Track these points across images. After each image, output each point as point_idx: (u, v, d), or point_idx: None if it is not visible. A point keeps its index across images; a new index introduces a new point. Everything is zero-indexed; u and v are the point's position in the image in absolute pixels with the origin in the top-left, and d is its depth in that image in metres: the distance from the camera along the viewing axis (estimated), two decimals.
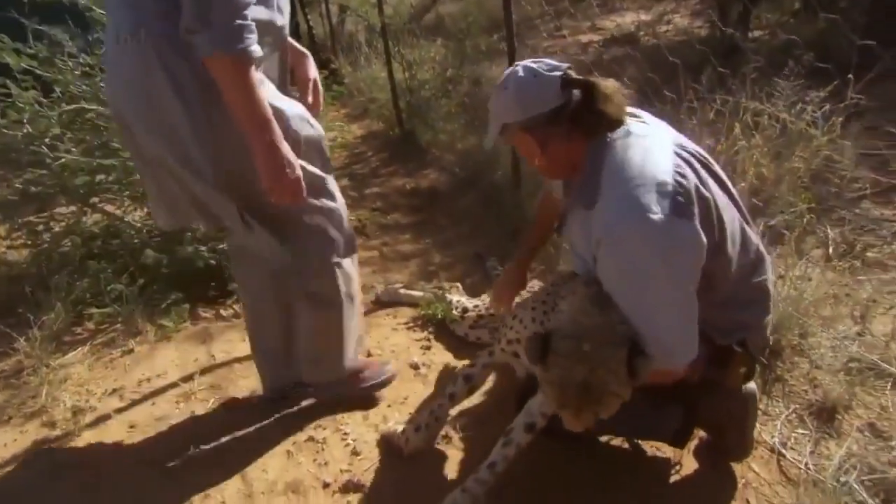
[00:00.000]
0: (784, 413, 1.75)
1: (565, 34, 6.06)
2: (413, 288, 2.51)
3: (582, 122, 1.24)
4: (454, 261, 2.82)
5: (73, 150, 2.56)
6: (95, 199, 2.73)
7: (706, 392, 1.41)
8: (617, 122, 1.24)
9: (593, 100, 1.22)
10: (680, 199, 1.12)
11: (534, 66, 1.28)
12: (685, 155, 1.23)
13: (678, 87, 2.46)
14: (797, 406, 1.77)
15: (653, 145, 1.21)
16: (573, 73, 1.27)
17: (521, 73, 1.27)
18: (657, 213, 1.09)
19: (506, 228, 2.87)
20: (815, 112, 2.45)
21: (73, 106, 2.54)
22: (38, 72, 2.48)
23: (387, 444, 1.70)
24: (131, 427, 1.84)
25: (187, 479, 1.63)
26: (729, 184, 1.32)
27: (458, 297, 2.30)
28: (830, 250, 2.35)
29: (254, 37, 1.27)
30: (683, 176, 1.15)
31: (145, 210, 2.78)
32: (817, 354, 1.89)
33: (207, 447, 1.72)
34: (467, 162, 3.65)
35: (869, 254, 2.29)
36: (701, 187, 1.17)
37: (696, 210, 1.14)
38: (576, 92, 1.25)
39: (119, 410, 1.92)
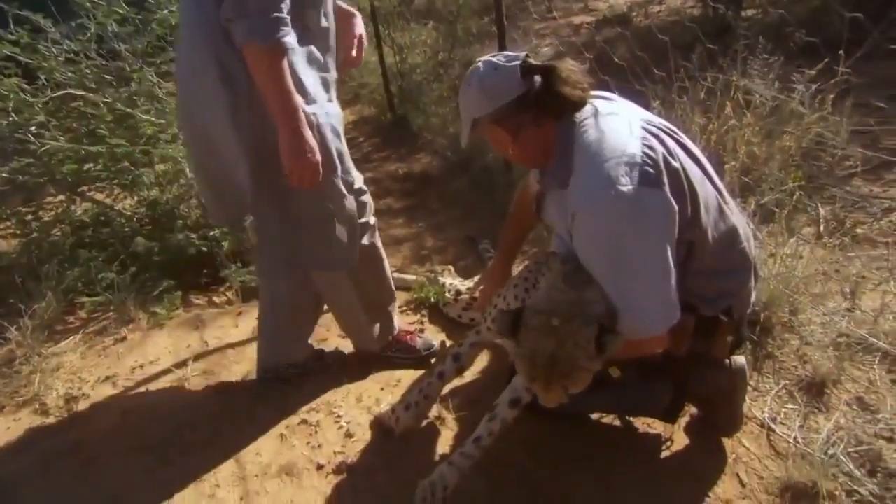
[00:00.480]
0: (774, 389, 1.76)
1: (556, 16, 6.01)
2: (406, 272, 2.51)
3: (547, 106, 1.27)
4: (447, 244, 2.82)
5: (61, 137, 2.53)
6: (84, 188, 2.71)
7: (695, 367, 1.42)
8: (580, 102, 1.27)
9: (553, 83, 1.25)
10: (648, 170, 1.16)
11: (493, 59, 1.31)
12: (653, 129, 1.25)
13: (670, 66, 2.45)
14: (787, 382, 1.78)
15: (620, 122, 1.24)
16: (532, 60, 1.29)
17: (481, 69, 1.31)
18: (626, 185, 1.14)
19: (498, 211, 2.86)
20: (806, 90, 2.44)
21: (60, 93, 2.51)
22: (20, 58, 2.44)
23: (379, 425, 1.71)
24: (124, 414, 1.84)
25: (180, 464, 1.64)
26: (701, 156, 1.34)
27: (451, 280, 2.30)
28: (821, 227, 2.36)
29: (288, 28, 1.35)
30: (651, 148, 1.19)
31: (135, 198, 2.76)
32: (807, 331, 1.90)
33: None
34: (459, 146, 3.61)
35: (858, 230, 2.29)
36: (669, 158, 1.20)
37: (666, 180, 1.17)
38: (537, 78, 1.28)
39: (112, 397, 1.92)
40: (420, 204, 3.31)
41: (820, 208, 2.43)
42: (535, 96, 1.27)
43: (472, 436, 1.44)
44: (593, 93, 1.33)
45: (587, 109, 1.29)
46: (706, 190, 1.28)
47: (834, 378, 1.73)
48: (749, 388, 1.75)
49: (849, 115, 2.56)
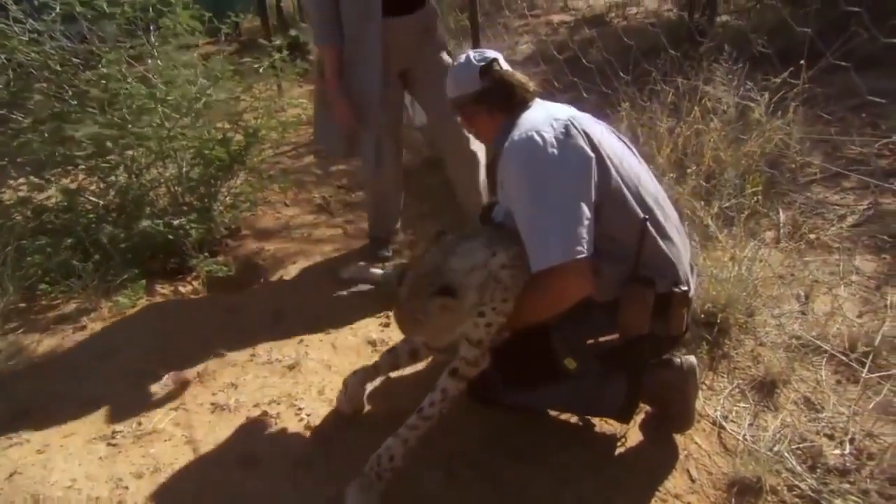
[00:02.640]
0: (728, 388, 1.82)
1: (535, 14, 6.03)
2: (373, 266, 2.51)
3: (496, 102, 1.54)
4: (416, 239, 2.83)
5: (24, 120, 2.47)
6: (48, 173, 2.64)
7: (650, 354, 1.48)
8: (523, 103, 1.53)
9: (503, 85, 1.53)
10: (570, 128, 1.38)
11: (472, 55, 1.57)
12: (584, 117, 1.48)
13: (640, 70, 2.50)
14: (741, 381, 1.84)
15: (554, 107, 1.52)
16: (497, 64, 1.55)
17: (462, 59, 1.58)
18: (548, 133, 1.36)
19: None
20: (770, 98, 2.50)
21: (20, 72, 2.44)
22: None
23: (336, 412, 1.75)
24: (82, 404, 1.81)
25: (138, 454, 1.63)
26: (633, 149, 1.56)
27: None
28: (780, 232, 2.43)
29: (324, 34, 2.14)
30: (576, 119, 1.42)
31: (102, 184, 2.70)
32: (762, 332, 1.96)
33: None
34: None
35: (813, 235, 2.37)
36: (592, 137, 1.39)
37: (585, 139, 1.37)
38: (492, 80, 1.53)
39: (70, 388, 1.88)
40: None
41: (780, 213, 2.51)
42: (487, 94, 1.54)
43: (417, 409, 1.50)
44: (549, 102, 1.57)
45: (536, 104, 1.54)
46: (630, 169, 1.44)
47: (784, 378, 1.79)
48: (704, 388, 1.80)
49: (810, 124, 2.64)
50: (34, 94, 2.53)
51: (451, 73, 1.61)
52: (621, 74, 2.18)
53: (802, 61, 2.25)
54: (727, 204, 2.35)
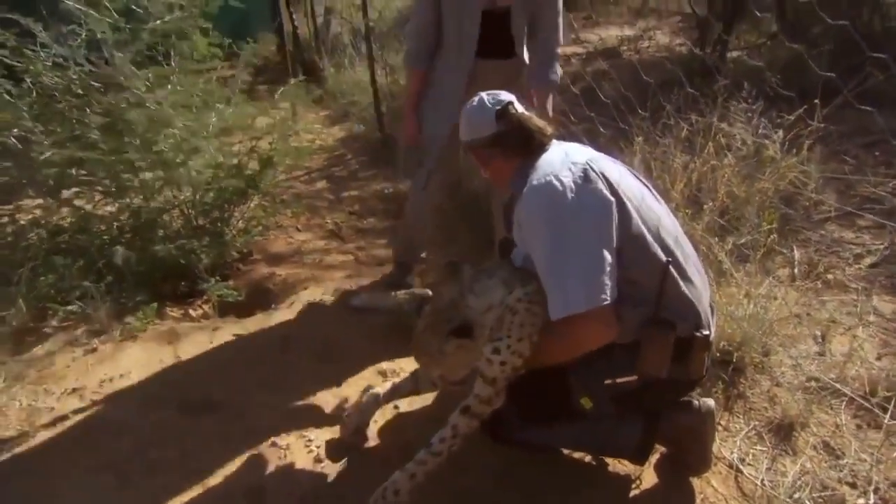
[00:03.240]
0: (744, 429, 1.78)
1: None
2: (385, 294, 2.50)
3: (511, 146, 1.51)
4: (427, 267, 2.82)
5: (45, 142, 2.50)
6: (66, 193, 2.66)
7: (667, 397, 1.44)
8: (540, 147, 1.51)
9: (521, 129, 1.50)
10: (589, 172, 1.37)
11: (485, 97, 1.55)
12: (602, 158, 1.49)
13: (654, 104, 2.51)
14: (757, 423, 1.80)
15: (571, 149, 1.50)
16: (513, 107, 1.53)
17: (475, 103, 1.56)
18: (566, 177, 1.35)
19: (480, 237, 2.88)
20: (785, 135, 2.51)
21: (43, 96, 2.48)
22: (7, 61, 2.42)
23: (341, 441, 1.73)
24: (89, 429, 1.80)
25: (144, 485, 1.60)
26: (653, 189, 1.55)
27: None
28: (795, 270, 2.41)
29: (411, 56, 2.27)
30: (594, 163, 1.40)
31: (117, 205, 2.72)
32: (778, 372, 1.93)
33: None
34: None
35: (830, 275, 2.35)
36: (610, 179, 1.38)
37: (605, 185, 1.36)
38: (509, 123, 1.51)
39: (77, 411, 1.87)
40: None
41: (795, 251, 2.49)
42: (503, 137, 1.51)
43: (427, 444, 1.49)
44: (567, 143, 1.54)
45: (554, 146, 1.52)
46: (651, 212, 1.43)
47: (802, 421, 1.75)
48: (719, 428, 1.77)
49: (824, 161, 2.64)
50: (55, 117, 2.56)
51: (465, 116, 1.58)
52: (639, 111, 2.19)
53: (817, 100, 2.26)
54: (742, 240, 2.34)
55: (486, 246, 2.77)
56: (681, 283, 1.37)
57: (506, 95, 1.56)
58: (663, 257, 1.35)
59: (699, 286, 1.44)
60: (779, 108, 2.65)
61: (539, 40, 2.24)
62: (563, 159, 1.42)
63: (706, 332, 1.39)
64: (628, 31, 6.24)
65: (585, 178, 1.35)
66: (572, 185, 1.34)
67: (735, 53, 4.98)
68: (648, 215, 1.40)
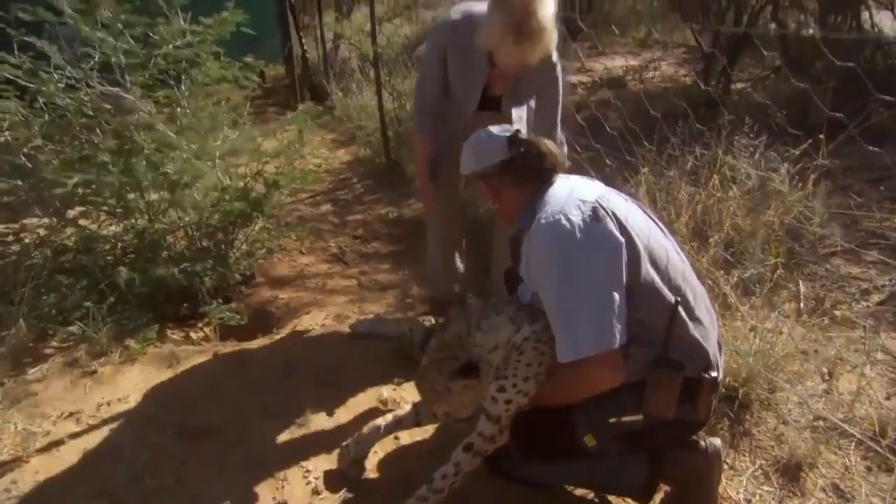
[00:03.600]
0: (750, 468, 1.75)
1: None
2: (387, 321, 2.49)
3: (524, 173, 1.49)
4: (432, 294, 2.81)
5: (53, 161, 2.52)
6: (71, 212, 2.67)
7: (673, 439, 1.42)
8: (552, 171, 1.49)
9: (532, 154, 1.48)
10: (598, 210, 1.34)
11: (492, 128, 1.54)
12: (611, 193, 1.46)
13: (660, 136, 2.52)
14: (763, 462, 1.77)
15: (580, 185, 1.47)
16: (520, 135, 1.53)
17: (481, 134, 1.55)
18: (576, 216, 1.33)
19: (483, 264, 2.87)
20: (790, 169, 2.51)
21: (54, 116, 2.51)
22: (21, 82, 2.45)
23: (339, 473, 1.71)
24: (85, 454, 1.77)
25: None
26: (661, 225, 1.52)
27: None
28: (801, 305, 2.39)
29: (421, 122, 2.24)
30: (603, 200, 1.38)
31: (122, 225, 2.73)
32: (785, 409, 1.90)
33: None
34: None
35: (837, 312, 2.33)
36: (619, 216, 1.36)
37: (614, 221, 1.33)
38: (520, 148, 1.49)
39: (73, 436, 1.84)
40: (408, 250, 3.31)
41: (801, 285, 2.47)
42: (517, 162, 1.48)
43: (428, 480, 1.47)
44: (573, 177, 1.54)
45: (560, 180, 1.49)
46: (660, 246, 1.41)
47: (810, 461, 1.72)
48: (725, 467, 1.73)
49: (829, 195, 2.64)
50: (65, 137, 2.59)
51: (471, 147, 1.55)
52: (644, 143, 2.20)
53: (822, 135, 2.27)
54: (747, 274, 2.32)
55: (488, 274, 2.76)
56: (689, 323, 1.35)
57: (511, 126, 1.56)
58: (672, 298, 1.33)
59: (707, 324, 1.42)
60: (784, 142, 2.66)
61: (538, 131, 2.22)
62: (570, 195, 1.39)
63: (714, 374, 1.36)
64: (633, 62, 6.32)
65: (595, 216, 1.33)
66: (581, 223, 1.31)
67: (740, 85, 5.03)
68: (658, 253, 1.38)
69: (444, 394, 1.36)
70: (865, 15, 4.56)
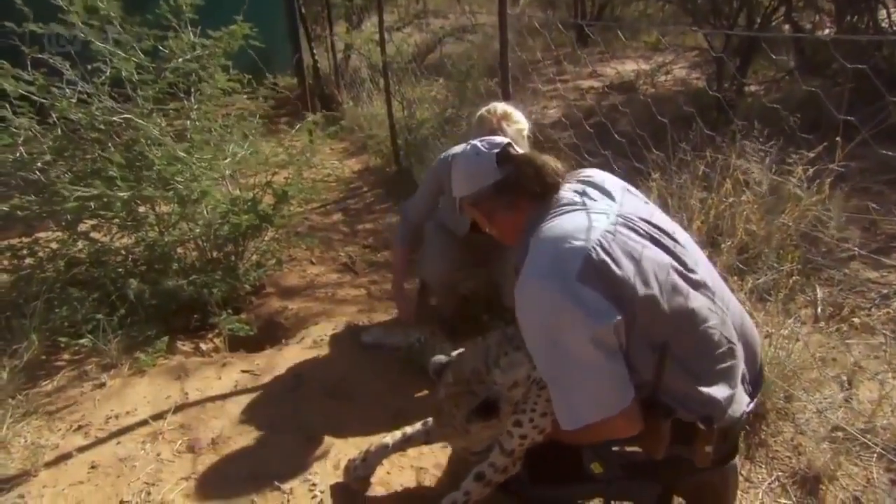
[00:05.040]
0: (767, 481, 1.70)
1: (558, 81, 6.16)
2: (396, 332, 2.47)
3: (520, 192, 1.33)
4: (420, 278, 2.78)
5: (64, 175, 2.55)
6: (83, 226, 2.70)
7: (681, 469, 1.34)
8: (553, 187, 1.31)
9: (525, 173, 1.32)
10: (592, 266, 1.14)
11: (478, 144, 1.39)
12: (619, 230, 1.22)
13: (670, 141, 2.48)
14: (780, 473, 1.72)
15: (583, 218, 1.23)
16: (512, 149, 1.37)
17: (467, 152, 1.40)
18: (559, 282, 1.14)
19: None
20: (805, 172, 2.46)
21: (66, 131, 2.55)
22: (34, 97, 2.49)
23: (345, 487, 1.70)
24: (92, 468, 1.77)
25: None
26: (687, 250, 1.30)
27: (442, 344, 2.26)
28: (818, 311, 2.33)
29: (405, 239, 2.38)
30: (600, 248, 1.16)
31: (133, 238, 2.76)
32: (802, 419, 1.85)
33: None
34: None
35: (856, 318, 2.26)
36: (615, 265, 1.16)
37: (603, 280, 1.14)
38: (514, 164, 1.34)
39: (82, 449, 1.85)
40: (418, 260, 3.29)
41: (818, 291, 2.41)
42: (509, 183, 1.33)
43: None
44: (583, 177, 1.37)
45: (563, 199, 1.30)
46: (668, 275, 1.21)
47: (829, 474, 1.67)
48: (740, 478, 1.68)
49: (846, 198, 2.58)
50: (77, 151, 2.62)
51: (458, 168, 1.40)
52: (654, 150, 2.17)
53: (838, 138, 2.22)
54: (761, 280, 2.27)
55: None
56: (685, 375, 1.20)
57: (500, 139, 1.39)
58: (657, 354, 1.17)
59: (733, 358, 1.24)
60: (797, 145, 2.61)
61: None
62: (564, 237, 1.19)
63: (713, 425, 1.19)
64: (644, 65, 6.27)
65: (585, 274, 1.13)
66: (566, 290, 1.13)
67: (752, 88, 4.95)
68: (672, 296, 1.18)
69: (462, 431, 1.34)
70: (883, 13, 4.47)
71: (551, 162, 1.35)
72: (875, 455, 1.70)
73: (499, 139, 1.41)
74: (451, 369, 1.42)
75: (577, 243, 1.17)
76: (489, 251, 2.34)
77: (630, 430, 1.20)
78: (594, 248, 1.16)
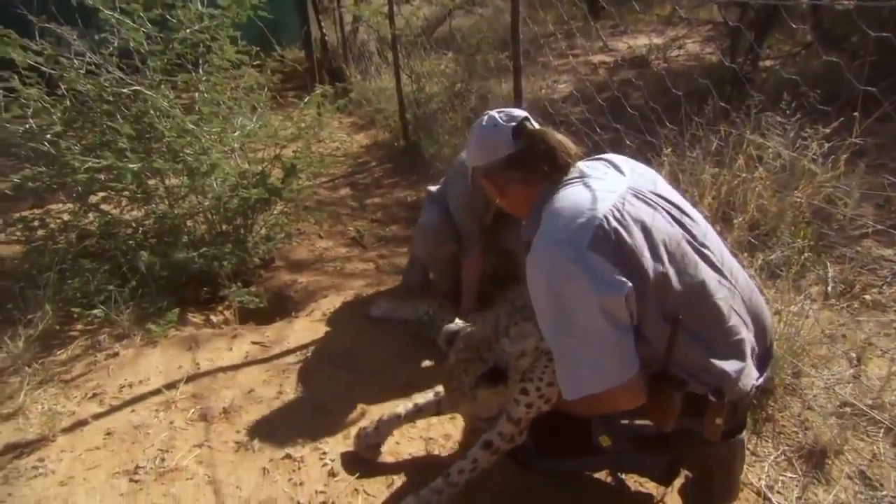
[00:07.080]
0: (773, 454, 1.71)
1: (570, 55, 6.05)
2: (404, 305, 2.48)
3: (533, 167, 1.33)
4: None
5: (74, 147, 2.56)
6: (94, 198, 2.71)
7: (690, 442, 1.34)
8: (565, 167, 1.32)
9: (538, 150, 1.32)
10: (602, 234, 1.15)
11: (496, 115, 1.38)
12: (629, 202, 1.22)
13: (687, 111, 2.44)
14: (786, 448, 1.73)
15: (595, 188, 1.24)
16: (529, 123, 1.37)
17: (484, 122, 1.40)
18: (572, 249, 1.14)
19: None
20: (820, 148, 2.42)
21: (75, 103, 2.54)
22: (43, 68, 2.48)
23: (355, 455, 1.72)
24: (108, 434, 1.81)
25: (159, 491, 1.61)
26: (700, 228, 1.30)
27: (450, 317, 2.27)
28: (829, 288, 2.32)
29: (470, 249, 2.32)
30: (612, 218, 1.17)
31: (143, 210, 2.77)
32: (810, 395, 1.85)
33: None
34: None
35: (867, 296, 2.25)
36: (626, 234, 1.16)
37: (613, 249, 1.14)
38: (529, 139, 1.34)
39: (97, 416, 1.89)
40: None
41: (829, 268, 2.39)
42: (523, 156, 1.34)
43: (444, 472, 1.47)
44: (595, 157, 1.39)
45: (574, 173, 1.32)
46: (684, 257, 1.21)
47: (836, 448, 1.67)
48: (747, 452, 1.69)
49: (861, 174, 2.54)
50: (86, 123, 2.62)
51: (475, 137, 1.39)
52: (667, 123, 2.13)
53: (855, 112, 2.18)
54: (772, 257, 2.26)
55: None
56: (697, 347, 1.21)
57: (518, 112, 1.39)
58: (668, 327, 1.17)
59: (741, 334, 1.25)
60: (813, 120, 2.56)
61: None
62: (576, 207, 1.20)
63: (723, 398, 1.19)
64: (657, 40, 6.15)
65: (596, 243, 1.14)
66: (578, 258, 1.13)
67: (768, 62, 4.85)
68: (684, 273, 1.19)
69: (470, 397, 1.36)
70: None
71: (566, 143, 1.34)
72: (882, 430, 1.70)
73: (517, 112, 1.39)
74: (461, 337, 1.45)
75: (589, 213, 1.18)
76: (498, 225, 2.34)
77: (633, 401, 1.21)
78: (606, 218, 1.17)
